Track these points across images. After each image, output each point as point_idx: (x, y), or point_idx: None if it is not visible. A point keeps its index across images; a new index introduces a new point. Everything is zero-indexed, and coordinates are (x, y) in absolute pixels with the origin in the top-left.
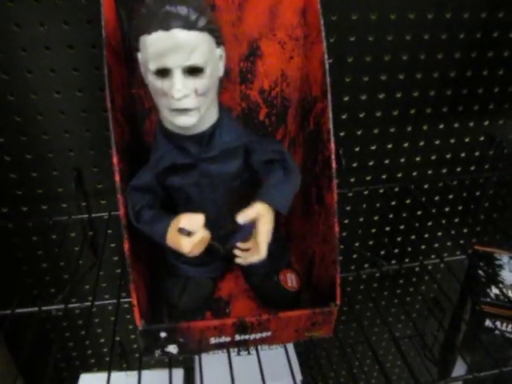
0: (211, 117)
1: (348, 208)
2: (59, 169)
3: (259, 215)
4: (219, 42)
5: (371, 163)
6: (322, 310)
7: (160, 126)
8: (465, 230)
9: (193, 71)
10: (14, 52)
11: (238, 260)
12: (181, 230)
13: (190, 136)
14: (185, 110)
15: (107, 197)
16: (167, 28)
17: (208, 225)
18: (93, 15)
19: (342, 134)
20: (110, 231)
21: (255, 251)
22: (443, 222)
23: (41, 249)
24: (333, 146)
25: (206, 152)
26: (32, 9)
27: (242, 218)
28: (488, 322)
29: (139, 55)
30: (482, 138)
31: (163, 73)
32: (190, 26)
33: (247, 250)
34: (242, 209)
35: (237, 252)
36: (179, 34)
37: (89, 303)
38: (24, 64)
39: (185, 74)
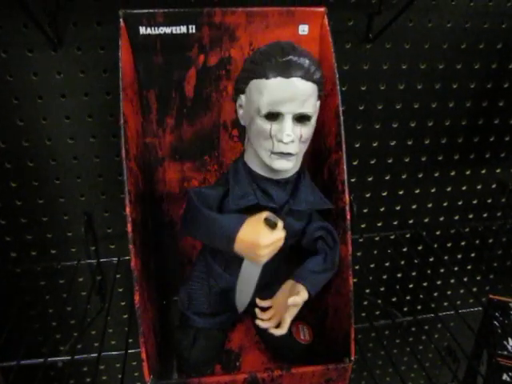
0: (298, 165)
1: (359, 254)
2: (69, 213)
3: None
4: (321, 95)
5: (382, 209)
6: (337, 365)
7: (243, 168)
8: (478, 278)
9: (301, 119)
10: (31, 99)
11: (257, 322)
12: (267, 220)
13: (275, 181)
14: (287, 155)
15: (116, 241)
16: (288, 76)
17: None
18: (109, 64)
19: (353, 179)
20: (118, 276)
21: (276, 322)
22: (456, 269)
23: (48, 294)
24: (347, 197)
25: (293, 203)
26: (50, 58)
27: (293, 302)
28: (505, 376)
29: (242, 97)
30: (493, 186)
31: (274, 116)
32: (308, 77)
33: (265, 309)
34: (282, 268)
35: (258, 313)
36: (298, 83)
37: (95, 354)
38: (40, 111)
39: (294, 120)
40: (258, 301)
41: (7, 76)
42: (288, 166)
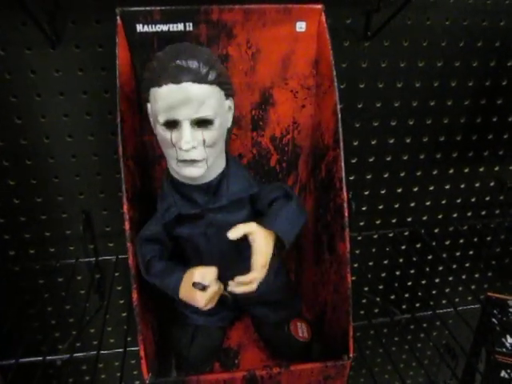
0: (218, 167)
1: (357, 252)
2: (68, 211)
3: (253, 234)
4: (229, 94)
5: (381, 207)
6: (335, 363)
7: (167, 176)
8: (476, 276)
9: (201, 123)
10: (29, 97)
11: (229, 287)
12: (195, 285)
13: (197, 186)
14: (192, 161)
15: (115, 240)
16: (178, 81)
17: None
18: (107, 62)
19: (351, 177)
20: (117, 274)
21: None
22: (454, 266)
23: (47, 292)
24: (345, 194)
25: (213, 202)
26: (48, 56)
27: (233, 232)
28: (504, 373)
29: (149, 106)
30: (492, 183)
31: (172, 124)
32: (200, 79)
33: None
34: (247, 249)
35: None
36: (189, 88)
37: (94, 352)
38: (38, 109)
39: (193, 125)
40: (239, 278)
41: (5, 74)
42: (198, 173)
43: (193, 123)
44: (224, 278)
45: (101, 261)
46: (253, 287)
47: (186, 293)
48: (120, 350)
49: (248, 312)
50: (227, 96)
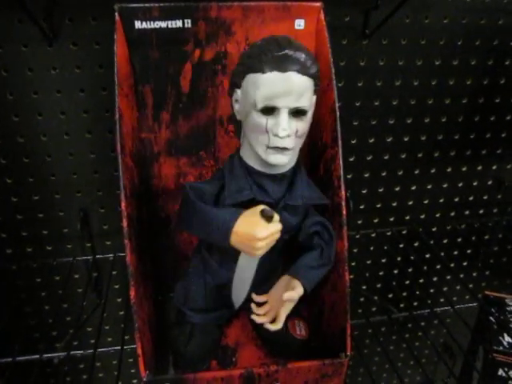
0: (294, 160)
1: (355, 250)
2: (65, 210)
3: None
4: (317, 90)
5: (379, 206)
6: (333, 361)
7: (239, 162)
8: (474, 274)
9: (297, 113)
10: (26, 95)
11: (253, 317)
12: (264, 212)
13: (271, 176)
14: (283, 149)
15: (112, 238)
16: (284, 70)
17: None
18: (105, 60)
19: (349, 176)
20: (114, 272)
21: (271, 317)
22: (452, 265)
23: (44, 290)
24: (343, 192)
25: (289, 198)
26: (45, 53)
27: (288, 297)
28: (501, 372)
29: (238, 92)
30: (490, 182)
31: (270, 111)
32: (304, 71)
33: (260, 304)
34: (278, 263)
35: (254, 308)
36: (294, 77)
37: (91, 350)
38: (35, 107)
39: (290, 115)
40: (253, 296)
41: (2, 71)
42: (284, 161)
43: (290, 112)
44: (257, 275)
45: (98, 259)
46: (276, 328)
47: (248, 222)
48: (117, 347)
49: (245, 310)
50: (315, 92)
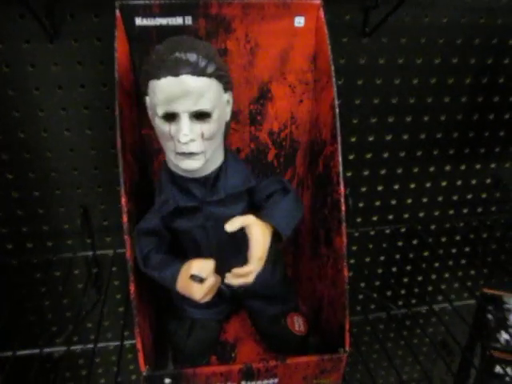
0: (216, 160)
1: (354, 248)
2: (66, 206)
3: (251, 226)
4: (227, 87)
5: (378, 204)
6: (331, 356)
7: (165, 169)
8: (472, 272)
9: (200, 116)
10: (27, 91)
11: (226, 279)
12: (193, 277)
13: (195, 179)
14: (190, 154)
15: (112, 234)
16: (176, 74)
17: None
18: (106, 56)
19: (349, 174)
20: (114, 268)
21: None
22: (450, 263)
23: (44, 286)
24: (342, 189)
25: (211, 195)
26: (47, 50)
27: (231, 225)
28: (498, 369)
29: (147, 99)
30: (488, 181)
31: (170, 117)
32: (198, 72)
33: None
34: (244, 242)
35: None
36: (188, 80)
37: (91, 345)
38: (36, 102)
39: (192, 118)
40: (235, 270)
41: (3, 67)
42: (195, 166)
43: (191, 116)
44: (222, 271)
45: (98, 255)
46: (250, 279)
47: (184, 285)
48: (117, 342)
49: (245, 306)
50: (226, 89)
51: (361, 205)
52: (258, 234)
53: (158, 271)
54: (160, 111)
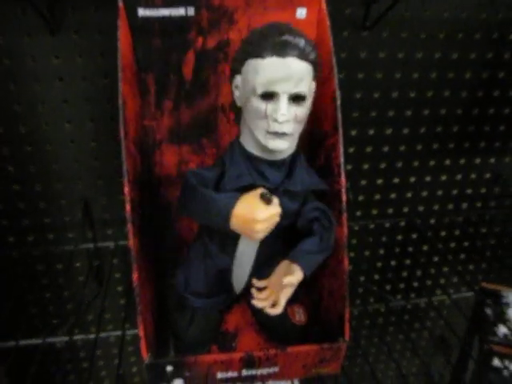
0: (293, 147)
1: (354, 241)
2: (67, 198)
3: (295, 277)
4: (316, 76)
5: (378, 197)
6: (331, 345)
7: (239, 149)
8: (471, 267)
9: (296, 99)
10: (28, 83)
11: (254, 302)
12: (263, 196)
13: (271, 162)
14: (282, 134)
15: (113, 226)
16: (284, 55)
17: None
18: (107, 48)
19: (349, 167)
20: (115, 261)
21: (271, 302)
22: (449, 257)
23: (45, 278)
24: (344, 180)
25: (288, 184)
26: (48, 42)
27: (288, 281)
28: (496, 362)
29: (238, 78)
30: (488, 175)
31: (269, 96)
32: (304, 56)
33: (261, 289)
34: (278, 248)
35: (254, 293)
36: (293, 63)
37: (93, 335)
38: (37, 95)
39: (289, 100)
40: (254, 281)
41: (5, 60)
42: (283, 146)
43: (289, 98)
44: (257, 260)
45: (99, 247)
46: (278, 311)
47: (246, 207)
48: (119, 331)
49: (245, 295)
50: (314, 78)
51: (360, 198)
52: (294, 286)
53: (215, 195)
54: (260, 90)
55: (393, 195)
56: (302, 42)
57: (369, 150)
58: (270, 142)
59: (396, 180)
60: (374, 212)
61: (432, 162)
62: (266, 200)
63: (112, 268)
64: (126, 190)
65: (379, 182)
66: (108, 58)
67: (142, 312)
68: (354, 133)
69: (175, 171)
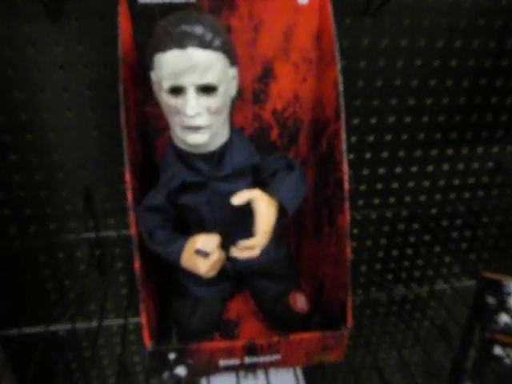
0: (222, 136)
1: (355, 231)
2: (69, 187)
3: (256, 200)
4: (233, 62)
5: (379, 187)
6: (334, 333)
7: (171, 145)
8: (472, 256)
9: (206, 90)
10: (29, 71)
11: (232, 252)
12: (198, 252)
13: (201, 155)
14: (197, 128)
15: (115, 216)
16: (183, 46)
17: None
18: (108, 35)
19: (351, 156)
20: (117, 250)
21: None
22: (451, 247)
23: (47, 268)
24: (346, 167)
25: (217, 171)
26: (49, 30)
27: (237, 198)
28: (497, 350)
29: (152, 74)
30: (490, 165)
31: (177, 91)
32: (205, 45)
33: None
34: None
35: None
36: (194, 53)
37: (96, 323)
38: (38, 83)
39: (198, 92)
40: (241, 242)
41: (5, 47)
42: (202, 140)
43: (198, 89)
44: (226, 247)
45: (101, 237)
46: (255, 252)
47: (188, 260)
48: (121, 319)
49: (247, 284)
50: (231, 64)
51: (362, 188)
52: (264, 208)
53: (163, 246)
54: (166, 85)
55: (395, 185)
56: (199, 30)
57: (371, 139)
58: (188, 137)
59: (398, 169)
60: (376, 201)
61: (434, 152)
62: (203, 255)
63: (114, 257)
64: (128, 177)
65: (381, 171)
66: (109, 45)
67: (144, 300)
68: (355, 122)
69: None
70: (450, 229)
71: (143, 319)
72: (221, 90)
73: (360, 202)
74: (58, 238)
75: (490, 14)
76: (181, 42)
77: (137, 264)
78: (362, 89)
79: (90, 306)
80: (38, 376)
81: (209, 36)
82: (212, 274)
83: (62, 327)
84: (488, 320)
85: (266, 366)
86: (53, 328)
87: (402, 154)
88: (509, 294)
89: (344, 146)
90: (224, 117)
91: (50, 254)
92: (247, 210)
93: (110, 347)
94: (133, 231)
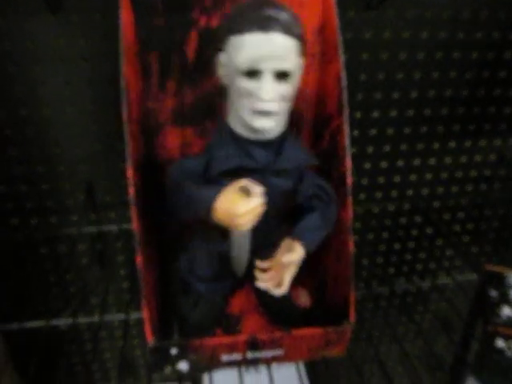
0: (282, 126)
1: (357, 225)
2: (70, 181)
3: (295, 256)
4: (304, 52)
5: (382, 180)
6: (336, 328)
7: (226, 129)
8: (475, 249)
9: (282, 76)
10: (29, 65)
11: (257, 283)
12: (242, 188)
13: (258, 142)
14: (267, 113)
15: (117, 210)
16: (267, 30)
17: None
18: (109, 28)
19: (353, 150)
20: (118, 244)
21: (276, 282)
22: (453, 240)
23: (49, 261)
24: (349, 162)
25: (275, 163)
26: (49, 23)
27: (287, 259)
28: (500, 343)
29: (222, 55)
30: (492, 157)
31: (253, 74)
32: (288, 31)
33: (265, 270)
34: (278, 228)
35: (258, 275)
36: (277, 38)
37: (97, 317)
38: (38, 77)
39: (274, 77)
40: (257, 262)
41: (5, 41)
42: (269, 125)
43: (274, 75)
44: (257, 243)
45: (103, 231)
46: (281, 292)
47: (226, 200)
48: (122, 314)
49: (250, 279)
50: (302, 54)
51: (364, 182)
52: (297, 264)
53: (196, 188)
54: (243, 67)
55: (397, 178)
56: (285, 17)
57: (373, 132)
58: (255, 121)
59: (400, 163)
60: (378, 195)
61: (436, 145)
62: (247, 192)
63: (115, 251)
64: (130, 172)
65: (383, 164)
66: (110, 38)
67: (146, 295)
68: (358, 115)
69: (178, 154)
70: (452, 222)
71: (145, 314)
72: (294, 77)
73: (362, 196)
74: (59, 231)
75: (493, 5)
76: (265, 26)
77: (138, 258)
78: (364, 82)
79: (91, 300)
80: (40, 370)
81: (292, 23)
82: (247, 226)
83: (63, 321)
84: (490, 313)
85: (268, 361)
86: (54, 322)
87: (404, 147)
88: (511, 286)
89: (347, 142)
90: (289, 106)
91: (51, 248)
92: (285, 212)
93: (112, 341)
94: (135, 225)
